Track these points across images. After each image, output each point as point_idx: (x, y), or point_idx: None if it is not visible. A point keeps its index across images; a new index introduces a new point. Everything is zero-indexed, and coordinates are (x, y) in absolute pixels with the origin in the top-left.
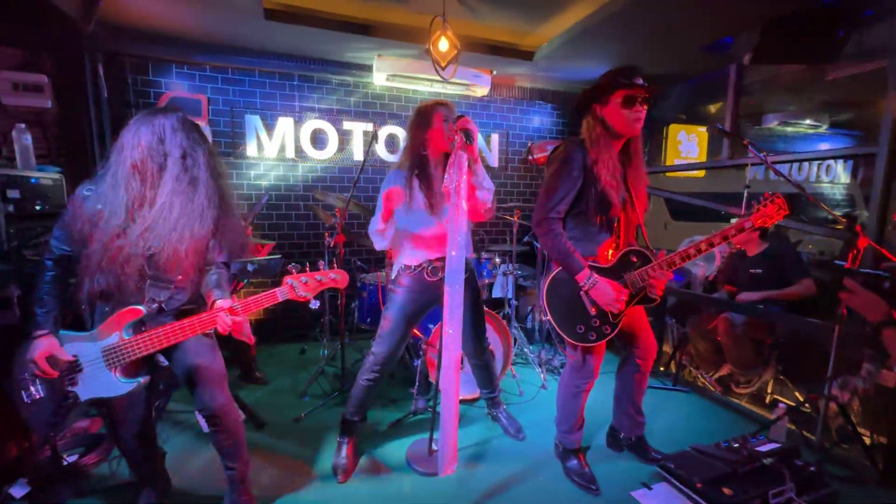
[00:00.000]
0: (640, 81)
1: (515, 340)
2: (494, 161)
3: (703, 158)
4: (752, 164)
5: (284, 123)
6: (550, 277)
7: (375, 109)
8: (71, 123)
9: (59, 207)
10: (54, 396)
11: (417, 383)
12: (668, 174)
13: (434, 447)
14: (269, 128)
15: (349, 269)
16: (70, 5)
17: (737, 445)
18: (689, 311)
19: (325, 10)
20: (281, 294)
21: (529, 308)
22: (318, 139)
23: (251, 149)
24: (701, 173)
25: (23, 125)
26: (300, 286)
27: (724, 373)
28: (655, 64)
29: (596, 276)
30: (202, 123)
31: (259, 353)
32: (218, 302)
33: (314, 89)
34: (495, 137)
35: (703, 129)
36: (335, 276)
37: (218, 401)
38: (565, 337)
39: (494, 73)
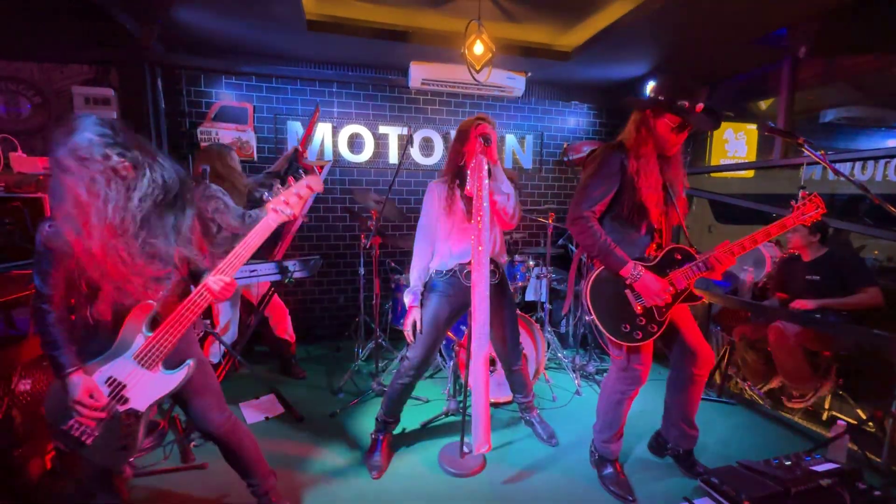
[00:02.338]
0: (700, 106)
1: (549, 345)
2: (528, 163)
3: (753, 158)
4: (808, 164)
5: (323, 129)
6: (594, 276)
7: (410, 113)
8: (133, 132)
9: None
10: (112, 424)
11: (450, 385)
12: (713, 175)
13: (465, 450)
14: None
15: (383, 269)
16: (135, 24)
17: (789, 463)
18: (737, 318)
19: (363, 19)
20: (272, 222)
21: (563, 313)
22: (354, 143)
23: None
24: (750, 173)
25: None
26: (283, 206)
27: (774, 385)
28: (700, 60)
29: (641, 267)
30: (248, 130)
31: (297, 351)
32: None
33: (352, 95)
34: (529, 139)
35: (752, 127)
36: (308, 183)
37: (215, 425)
38: (610, 337)
39: (529, 74)
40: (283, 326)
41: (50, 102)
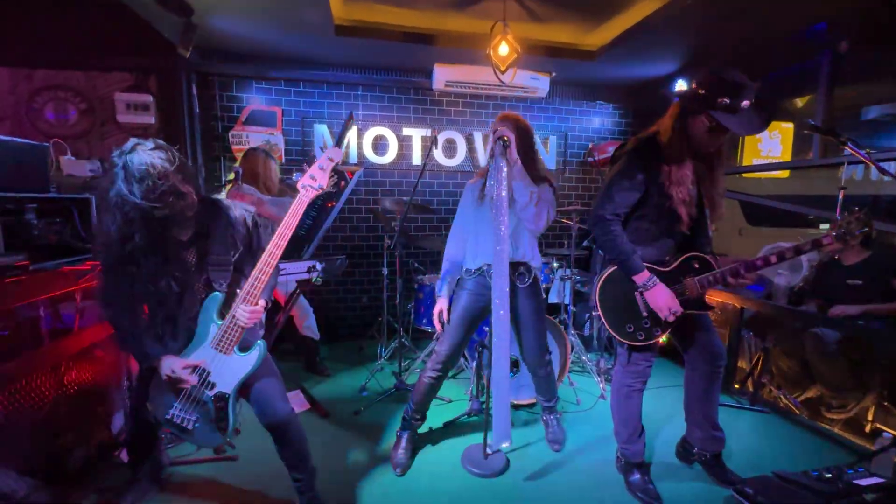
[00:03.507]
0: (746, 104)
1: (573, 347)
2: (552, 164)
3: (789, 157)
4: (849, 163)
5: (346, 137)
6: (605, 275)
7: (434, 115)
8: (169, 136)
9: None
10: (206, 408)
11: (472, 385)
12: (744, 175)
13: (488, 451)
14: (335, 136)
15: (406, 270)
16: (174, 33)
17: (830, 476)
18: (771, 324)
19: (389, 23)
20: (305, 198)
21: (587, 315)
22: (378, 145)
23: (318, 156)
24: (785, 174)
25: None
26: (311, 182)
27: (812, 395)
28: (732, 57)
29: (655, 278)
30: (276, 133)
31: (321, 349)
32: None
33: (376, 98)
34: (553, 140)
35: (787, 126)
36: (328, 155)
37: (280, 413)
38: (614, 334)
39: (554, 74)
40: (308, 325)
41: (94, 108)
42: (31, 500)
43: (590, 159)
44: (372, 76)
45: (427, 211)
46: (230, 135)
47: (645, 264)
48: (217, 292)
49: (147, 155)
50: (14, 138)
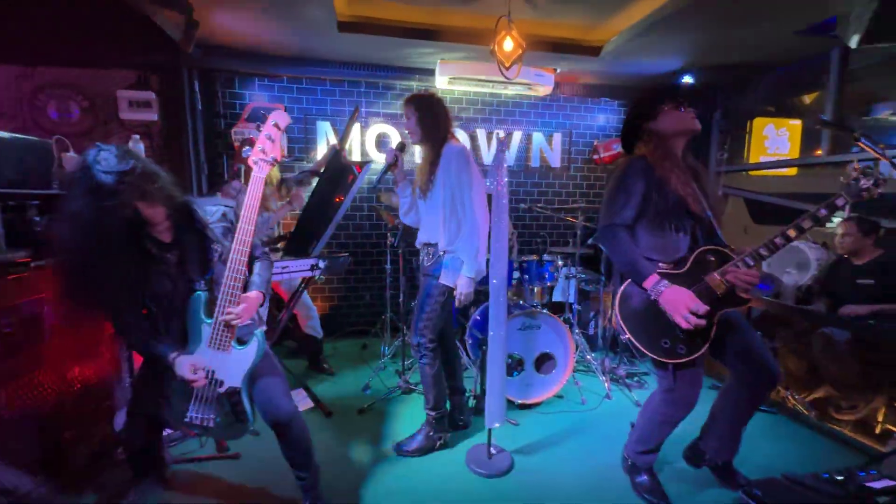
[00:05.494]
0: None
1: (577, 346)
2: (556, 161)
3: (796, 155)
4: (861, 160)
5: (351, 131)
6: (622, 291)
7: None
8: (172, 133)
9: None
10: (221, 406)
11: (476, 385)
12: (751, 173)
13: (493, 451)
14: (338, 133)
15: (409, 268)
16: (175, 30)
17: (841, 478)
18: (778, 323)
19: (392, 19)
20: (259, 173)
21: (592, 314)
22: (382, 143)
23: (321, 153)
24: (792, 171)
25: (136, 136)
26: (263, 155)
27: (820, 395)
28: (738, 52)
29: (665, 282)
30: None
31: (324, 347)
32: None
33: (379, 95)
34: (557, 137)
35: (795, 123)
36: (276, 121)
37: (284, 411)
38: (651, 356)
39: (558, 70)
40: (312, 324)
41: (97, 106)
42: (35, 497)
43: (595, 157)
44: (375, 73)
45: None
46: (233, 132)
47: (659, 270)
48: (199, 292)
49: (100, 176)
50: (17, 135)
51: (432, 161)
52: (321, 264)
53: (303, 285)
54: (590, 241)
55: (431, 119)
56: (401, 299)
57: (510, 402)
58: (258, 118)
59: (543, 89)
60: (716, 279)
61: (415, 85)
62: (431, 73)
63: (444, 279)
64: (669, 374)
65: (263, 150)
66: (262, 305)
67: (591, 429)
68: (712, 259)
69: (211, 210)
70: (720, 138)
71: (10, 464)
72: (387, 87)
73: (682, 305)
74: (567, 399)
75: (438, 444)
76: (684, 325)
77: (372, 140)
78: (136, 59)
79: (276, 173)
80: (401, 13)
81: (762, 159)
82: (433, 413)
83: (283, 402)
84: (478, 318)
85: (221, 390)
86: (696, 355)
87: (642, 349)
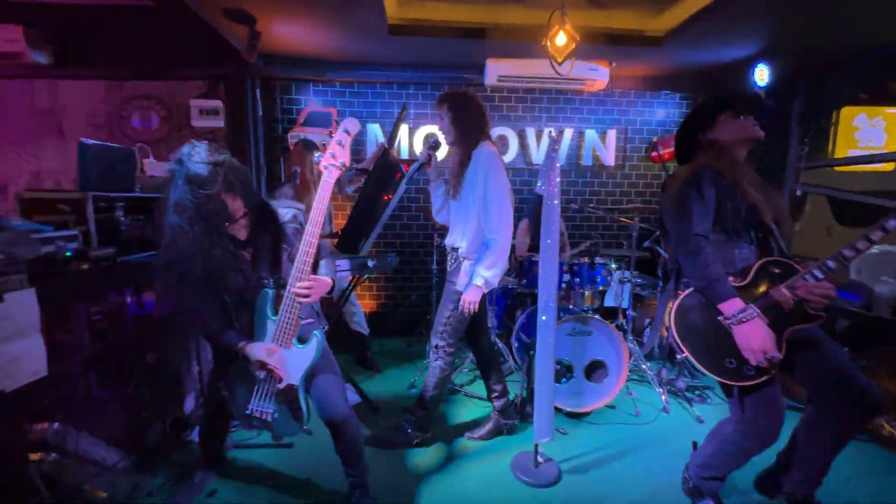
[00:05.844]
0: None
1: (631, 355)
2: (610, 159)
3: (895, 147)
4: None
5: (400, 130)
6: (677, 305)
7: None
8: (236, 138)
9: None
10: (280, 401)
11: (522, 390)
12: (836, 168)
13: (540, 459)
14: (387, 135)
15: None
16: (241, 42)
17: None
18: (871, 339)
19: (441, 20)
20: (329, 178)
21: (648, 321)
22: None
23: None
24: (889, 166)
25: (206, 141)
26: (333, 161)
27: None
28: (822, 34)
29: (751, 310)
30: (331, 133)
31: (371, 344)
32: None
33: (428, 96)
34: (611, 134)
35: (892, 111)
36: (346, 127)
37: (339, 413)
38: (716, 377)
39: (614, 64)
40: (358, 320)
41: (173, 115)
42: (118, 469)
43: (653, 153)
44: (424, 74)
45: None
46: (288, 136)
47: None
48: (268, 289)
49: (193, 166)
50: (108, 143)
51: (463, 162)
52: (370, 264)
53: (353, 283)
54: (646, 244)
55: (466, 119)
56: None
57: (558, 410)
58: (313, 122)
59: (598, 84)
60: (784, 294)
61: (463, 84)
62: (480, 71)
63: (461, 286)
64: (736, 400)
65: (334, 156)
66: (330, 292)
67: (647, 444)
68: (777, 271)
69: (282, 212)
70: (800, 132)
71: (99, 439)
72: (435, 88)
73: (757, 346)
74: (620, 410)
75: (415, 442)
76: (753, 362)
77: (420, 141)
78: (207, 71)
79: None
80: (450, 13)
81: (850, 153)
82: (419, 410)
83: (339, 402)
84: (524, 320)
85: (280, 386)
86: (766, 377)
87: (703, 369)
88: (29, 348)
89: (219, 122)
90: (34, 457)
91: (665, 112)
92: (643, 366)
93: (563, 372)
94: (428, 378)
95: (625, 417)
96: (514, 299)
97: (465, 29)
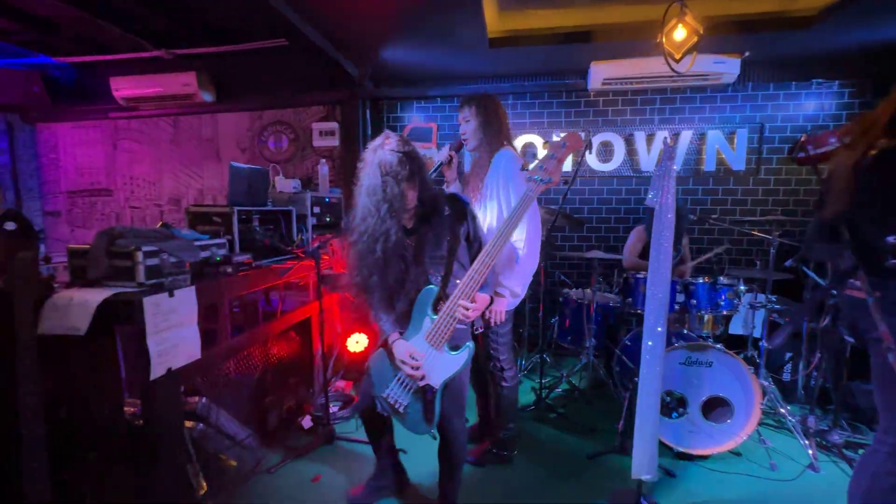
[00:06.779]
0: None
1: (765, 394)
2: (740, 163)
3: None
4: None
5: None
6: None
7: (588, 117)
8: (348, 156)
9: (340, 219)
10: (416, 397)
11: (623, 418)
12: None
13: (643, 502)
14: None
15: (551, 282)
16: (354, 67)
17: None
18: None
19: (543, 27)
20: (532, 192)
21: (789, 354)
22: (526, 153)
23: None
24: None
25: (323, 160)
26: (543, 174)
27: None
28: None
29: None
30: (431, 147)
31: None
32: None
33: (526, 105)
34: (741, 133)
35: None
36: (566, 143)
37: (455, 428)
38: None
39: (747, 54)
40: None
41: (299, 137)
42: (246, 444)
43: (800, 154)
44: (522, 83)
45: (575, 222)
46: None
47: None
48: (432, 286)
49: (384, 153)
50: (250, 165)
51: (484, 166)
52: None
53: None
54: (788, 263)
55: (492, 122)
56: (540, 314)
57: (665, 448)
58: (415, 137)
59: (725, 78)
60: None
61: (564, 91)
62: (582, 76)
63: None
64: None
65: (543, 168)
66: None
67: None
68: None
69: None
70: None
71: (233, 416)
72: (535, 97)
73: None
74: (747, 459)
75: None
76: None
77: (519, 149)
78: (326, 96)
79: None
80: (552, 19)
81: None
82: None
83: (456, 420)
84: (628, 343)
85: (421, 384)
86: None
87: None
88: (188, 335)
89: (334, 142)
90: (188, 424)
91: (817, 104)
92: (781, 409)
93: (675, 405)
94: (500, 399)
95: (755, 469)
96: (616, 318)
97: (567, 33)
